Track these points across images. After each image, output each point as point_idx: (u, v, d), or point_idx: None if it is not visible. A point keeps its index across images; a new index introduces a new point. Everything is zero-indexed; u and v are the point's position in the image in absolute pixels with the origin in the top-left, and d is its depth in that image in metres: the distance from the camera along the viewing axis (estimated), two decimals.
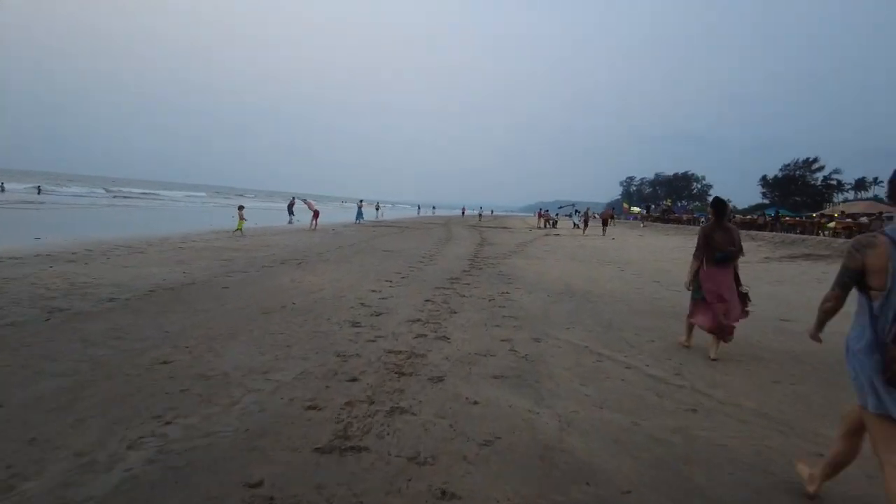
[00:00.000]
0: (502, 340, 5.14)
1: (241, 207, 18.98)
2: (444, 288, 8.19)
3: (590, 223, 31.54)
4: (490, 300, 7.33)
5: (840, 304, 2.32)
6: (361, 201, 32.94)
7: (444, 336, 5.19)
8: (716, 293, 4.80)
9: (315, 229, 21.85)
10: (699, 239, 4.97)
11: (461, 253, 14.65)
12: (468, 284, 8.68)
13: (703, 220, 33.96)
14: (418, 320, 5.85)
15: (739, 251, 4.87)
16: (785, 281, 10.49)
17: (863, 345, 2.15)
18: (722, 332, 4.82)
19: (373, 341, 4.89)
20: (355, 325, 5.49)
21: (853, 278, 2.22)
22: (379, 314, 6.05)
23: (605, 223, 28.89)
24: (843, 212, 31.79)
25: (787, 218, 28.80)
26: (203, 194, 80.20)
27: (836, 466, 2.48)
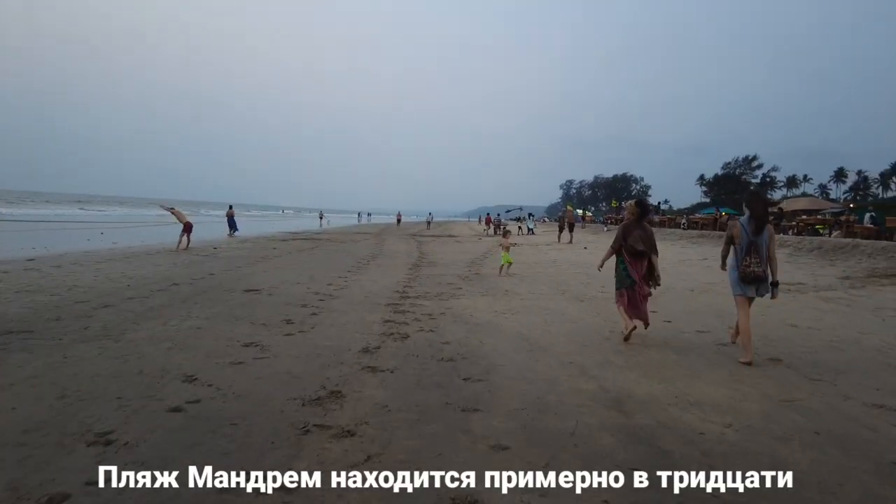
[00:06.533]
0: None
1: (506, 233, 12.33)
2: None
3: (564, 231, 24.18)
4: None
5: (727, 250, 4.83)
6: (231, 207, 25.69)
7: None
8: (639, 279, 5.40)
9: (187, 249, 15.50)
10: (618, 233, 5.54)
11: (382, 287, 8.87)
12: (356, 440, 2.96)
13: (684, 220, 29.81)
14: None
15: (653, 250, 5.46)
16: None
17: (732, 267, 4.70)
18: (643, 318, 5.40)
19: None
20: None
21: (730, 239, 4.75)
22: None
23: (570, 228, 23.84)
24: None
25: (808, 217, 23.72)
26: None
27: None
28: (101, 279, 9.04)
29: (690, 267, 12.61)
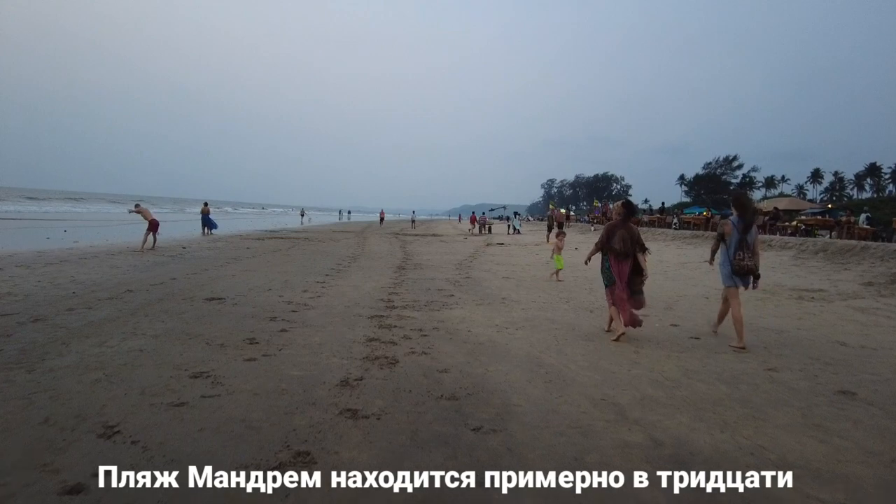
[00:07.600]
0: None
1: (560, 234, 11.39)
2: None
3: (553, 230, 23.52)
4: None
5: (718, 245, 5.40)
6: (206, 204, 24.00)
7: None
8: (621, 279, 5.45)
9: (153, 249, 14.29)
10: (603, 233, 5.67)
11: (364, 294, 7.89)
12: None
13: (674, 220, 29.27)
14: None
15: (641, 248, 5.55)
16: None
17: (723, 261, 5.24)
18: (632, 321, 5.45)
19: None
20: None
21: (721, 236, 5.30)
22: None
23: (559, 227, 23.03)
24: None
25: (807, 218, 22.84)
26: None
27: (721, 316, 5.57)
28: (43, 285, 7.94)
29: (694, 271, 11.88)
